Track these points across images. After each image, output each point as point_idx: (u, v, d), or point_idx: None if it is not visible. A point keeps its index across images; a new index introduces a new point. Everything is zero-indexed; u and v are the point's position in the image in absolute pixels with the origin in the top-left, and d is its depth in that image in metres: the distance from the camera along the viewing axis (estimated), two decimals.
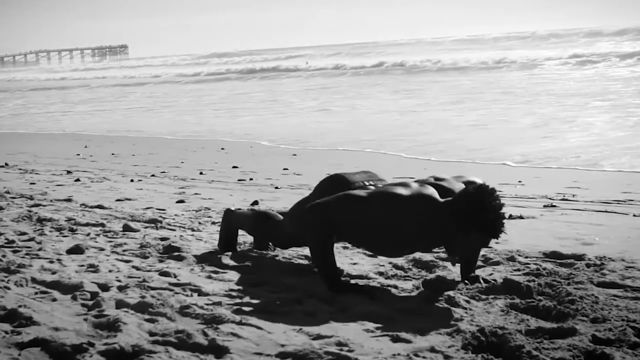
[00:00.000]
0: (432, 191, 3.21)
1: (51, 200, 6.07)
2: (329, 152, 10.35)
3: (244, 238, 4.30)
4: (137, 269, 3.68)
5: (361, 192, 3.27)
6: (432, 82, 25.46)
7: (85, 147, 12.04)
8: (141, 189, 7.17)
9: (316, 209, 3.29)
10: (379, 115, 15.22)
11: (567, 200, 6.11)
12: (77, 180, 7.81)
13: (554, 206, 5.79)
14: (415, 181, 3.35)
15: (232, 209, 4.25)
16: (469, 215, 3.03)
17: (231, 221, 4.15)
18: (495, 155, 9.09)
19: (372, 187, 3.45)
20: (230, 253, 4.04)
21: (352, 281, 3.46)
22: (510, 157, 8.91)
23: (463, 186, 3.23)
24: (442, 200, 3.18)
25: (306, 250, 4.10)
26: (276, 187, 7.30)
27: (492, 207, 3.01)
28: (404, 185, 3.26)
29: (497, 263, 3.82)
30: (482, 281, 3.36)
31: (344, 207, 3.23)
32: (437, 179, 3.36)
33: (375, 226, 3.21)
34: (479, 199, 3.02)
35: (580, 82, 21.94)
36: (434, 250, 4.11)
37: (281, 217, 3.91)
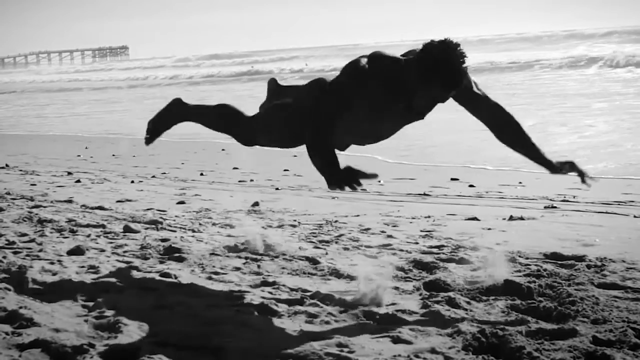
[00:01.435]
0: (393, 52, 3.23)
1: (52, 202, 6.07)
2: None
3: (246, 238, 4.29)
4: (138, 270, 3.68)
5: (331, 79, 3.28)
6: None
7: (86, 148, 12.05)
8: (142, 190, 7.17)
9: (320, 100, 3.23)
10: None
11: (567, 201, 6.11)
12: (78, 181, 7.81)
13: (555, 207, 5.79)
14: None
15: (184, 101, 3.98)
16: (432, 67, 3.00)
17: (179, 113, 3.91)
18: (497, 159, 9.09)
19: None
20: (232, 254, 4.03)
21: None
22: (513, 160, 8.90)
23: None
24: (405, 58, 3.19)
25: (307, 252, 4.10)
26: (277, 188, 7.30)
27: (455, 58, 2.98)
28: (365, 55, 3.26)
29: None
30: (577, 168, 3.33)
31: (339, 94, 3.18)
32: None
33: (353, 97, 3.17)
34: (442, 50, 3.00)
35: (581, 83, 21.94)
36: (434, 252, 4.11)
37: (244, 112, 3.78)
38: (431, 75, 3.02)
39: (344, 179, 3.04)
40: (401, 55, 3.28)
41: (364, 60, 3.20)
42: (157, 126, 3.97)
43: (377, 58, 3.21)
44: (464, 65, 3.03)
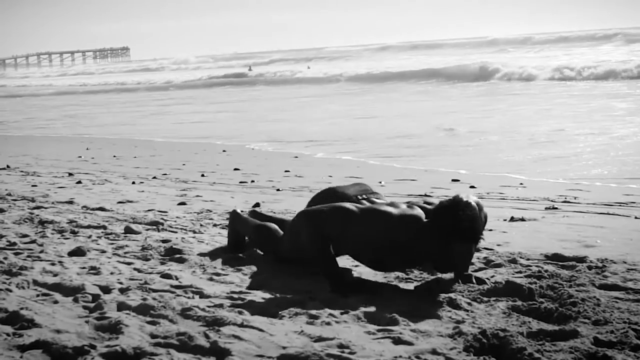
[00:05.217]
0: (418, 212, 3.34)
1: (53, 203, 6.07)
2: (330, 155, 10.35)
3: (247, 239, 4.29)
4: (139, 271, 3.68)
5: (353, 207, 3.37)
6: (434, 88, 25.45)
7: (87, 149, 12.05)
8: (143, 191, 7.17)
9: (308, 216, 3.40)
10: (385, 120, 15.22)
11: (568, 202, 6.11)
12: (79, 182, 7.81)
13: (556, 208, 5.78)
14: (406, 202, 3.48)
15: (238, 210, 4.26)
16: (445, 227, 3.17)
17: (237, 225, 4.17)
18: (502, 163, 9.09)
19: (365, 202, 3.53)
20: (232, 255, 4.04)
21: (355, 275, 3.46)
22: (514, 162, 8.91)
23: None
24: (425, 220, 3.30)
25: None
26: (277, 189, 7.30)
27: (465, 216, 3.14)
28: (393, 205, 3.40)
29: (499, 265, 3.82)
30: (474, 280, 3.38)
31: (335, 219, 3.34)
32: (426, 202, 3.48)
33: (364, 239, 3.32)
34: (451, 211, 3.17)
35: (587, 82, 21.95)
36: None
37: (281, 232, 3.93)
38: (448, 236, 3.17)
39: (348, 289, 3.28)
40: (420, 206, 3.39)
41: (391, 214, 3.30)
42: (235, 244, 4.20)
43: (403, 217, 3.30)
44: (476, 220, 3.17)
